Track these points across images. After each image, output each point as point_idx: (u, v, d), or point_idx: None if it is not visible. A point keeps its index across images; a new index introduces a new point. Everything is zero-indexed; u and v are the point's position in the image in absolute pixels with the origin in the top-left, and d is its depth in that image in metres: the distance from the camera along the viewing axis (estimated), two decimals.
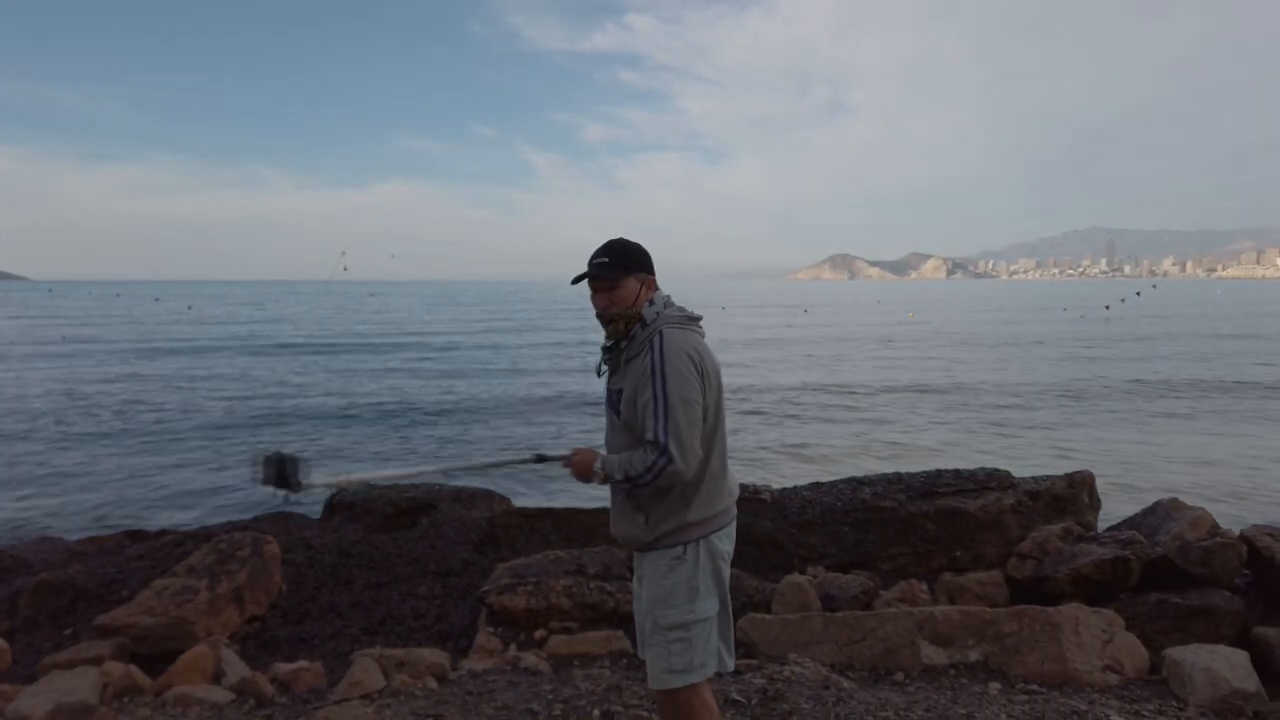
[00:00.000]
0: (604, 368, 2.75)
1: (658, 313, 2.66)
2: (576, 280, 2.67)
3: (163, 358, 33.30)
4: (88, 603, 5.78)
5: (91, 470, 13.63)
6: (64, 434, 16.64)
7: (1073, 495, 6.72)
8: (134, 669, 4.59)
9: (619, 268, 2.63)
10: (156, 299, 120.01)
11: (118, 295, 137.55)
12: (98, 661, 4.70)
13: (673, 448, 2.47)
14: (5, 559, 6.76)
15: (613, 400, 2.71)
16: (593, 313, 2.72)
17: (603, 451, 2.73)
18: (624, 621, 5.17)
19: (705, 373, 2.60)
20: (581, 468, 2.63)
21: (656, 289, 2.73)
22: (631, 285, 2.64)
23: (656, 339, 2.57)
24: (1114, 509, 7.85)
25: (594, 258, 2.64)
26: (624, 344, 2.67)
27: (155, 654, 5.00)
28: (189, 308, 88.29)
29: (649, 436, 2.49)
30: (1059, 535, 5.92)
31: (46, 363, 30.82)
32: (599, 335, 2.84)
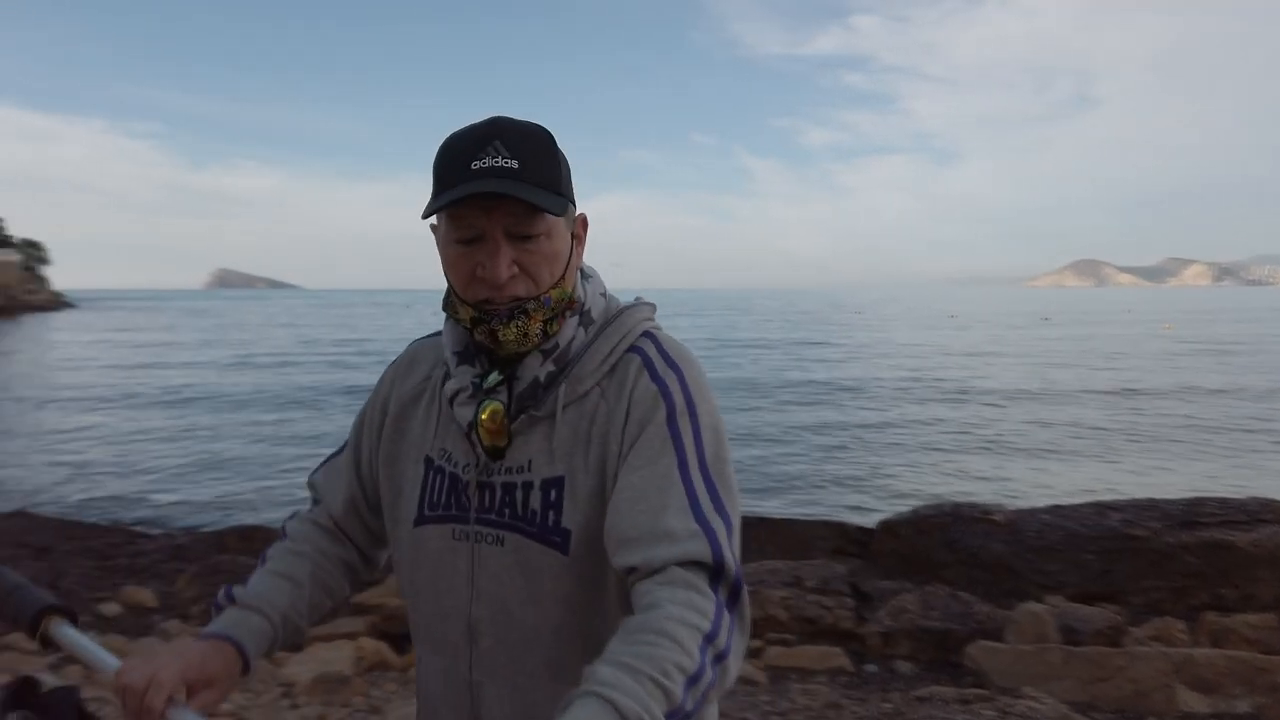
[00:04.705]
0: (463, 418, 1.15)
1: (604, 295, 1.24)
2: (432, 211, 1.09)
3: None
4: None
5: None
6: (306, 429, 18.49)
7: None
8: (384, 646, 5.03)
9: (550, 193, 1.10)
10: (407, 306, 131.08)
11: (375, 304, 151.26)
12: (353, 637, 5.19)
13: (742, 582, 1.02)
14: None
15: (508, 499, 1.13)
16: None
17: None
18: (841, 639, 5.15)
19: None
20: None
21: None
22: (563, 234, 1.15)
23: (652, 349, 1.17)
24: None
25: (482, 155, 1.06)
26: (546, 368, 1.14)
27: (403, 634, 5.44)
28: (406, 306, 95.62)
29: (697, 553, 0.99)
30: None
31: (319, 363, 34.38)
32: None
